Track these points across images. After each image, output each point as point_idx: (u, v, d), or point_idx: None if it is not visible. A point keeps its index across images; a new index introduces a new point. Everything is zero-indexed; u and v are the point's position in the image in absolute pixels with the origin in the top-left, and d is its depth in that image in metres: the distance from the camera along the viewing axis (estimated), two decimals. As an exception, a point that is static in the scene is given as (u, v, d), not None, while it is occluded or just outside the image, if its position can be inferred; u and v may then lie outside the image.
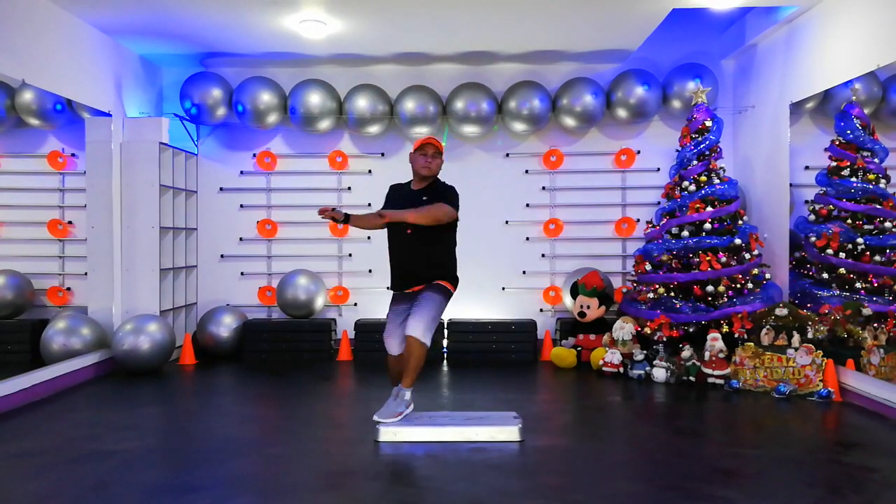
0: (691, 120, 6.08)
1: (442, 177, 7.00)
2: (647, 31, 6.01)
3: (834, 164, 5.31)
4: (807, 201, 5.59)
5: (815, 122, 5.78)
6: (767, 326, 5.35)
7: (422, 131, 6.76)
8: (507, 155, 7.07)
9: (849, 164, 5.22)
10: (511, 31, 6.04)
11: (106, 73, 6.14)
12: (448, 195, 4.30)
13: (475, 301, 7.05)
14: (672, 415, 4.76)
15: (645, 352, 5.77)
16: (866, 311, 4.99)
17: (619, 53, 6.66)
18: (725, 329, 5.52)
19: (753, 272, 5.73)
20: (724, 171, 5.99)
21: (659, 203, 6.62)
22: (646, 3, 5.37)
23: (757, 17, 6.14)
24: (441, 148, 4.35)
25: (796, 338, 5.21)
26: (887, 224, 5.05)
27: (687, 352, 5.55)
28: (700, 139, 5.95)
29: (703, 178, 5.86)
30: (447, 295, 4.25)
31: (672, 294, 5.84)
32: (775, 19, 5.82)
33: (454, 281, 4.35)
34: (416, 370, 4.13)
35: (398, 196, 4.50)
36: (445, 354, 6.70)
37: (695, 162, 5.97)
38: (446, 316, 6.93)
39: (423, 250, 4.28)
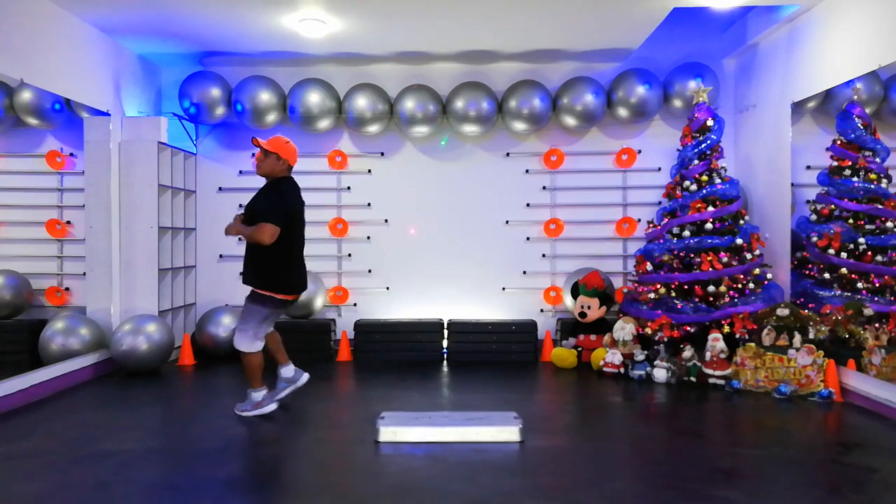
0: (692, 119, 6.07)
1: (443, 177, 7.06)
2: (648, 30, 6.00)
3: (835, 163, 5.31)
4: (808, 201, 5.58)
5: (816, 121, 5.77)
6: (769, 327, 5.34)
7: (422, 130, 6.75)
8: (508, 154, 7.06)
9: (850, 163, 5.21)
10: (511, 30, 6.03)
11: (105, 73, 6.13)
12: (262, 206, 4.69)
13: (475, 301, 7.04)
14: (673, 415, 4.74)
15: (646, 352, 5.76)
16: (868, 312, 4.98)
17: (619, 52, 6.65)
18: (726, 329, 5.51)
19: (755, 272, 5.72)
20: (726, 170, 5.98)
21: (660, 203, 6.61)
22: (647, 2, 5.36)
23: (758, 16, 6.12)
24: (267, 147, 4.57)
25: (797, 338, 5.20)
26: (889, 224, 5.04)
27: (688, 352, 5.54)
28: (701, 139, 5.94)
29: (705, 178, 5.85)
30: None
31: (673, 294, 5.83)
32: (777, 18, 5.81)
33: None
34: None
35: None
36: (445, 355, 6.69)
37: (696, 161, 5.96)
38: (446, 316, 6.92)
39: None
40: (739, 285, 5.65)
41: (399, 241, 7.10)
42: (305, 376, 4.88)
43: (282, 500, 3.21)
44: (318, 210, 7.05)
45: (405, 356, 6.59)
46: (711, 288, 5.64)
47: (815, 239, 5.35)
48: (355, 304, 7.14)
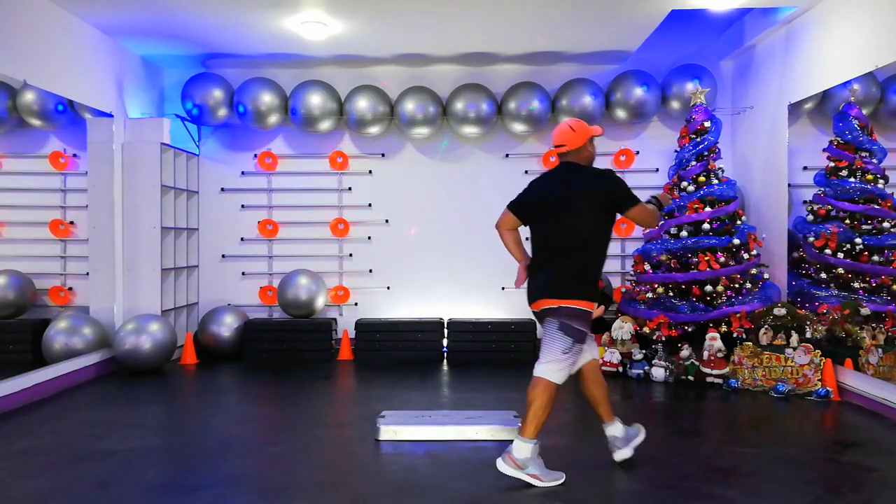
0: (690, 120, 6.10)
1: (443, 177, 7.10)
2: (646, 32, 6.04)
3: (832, 164, 5.34)
4: (805, 201, 5.61)
5: (813, 122, 5.80)
6: (766, 326, 5.37)
7: (422, 132, 6.78)
8: (507, 156, 7.09)
9: (847, 164, 5.24)
10: (511, 33, 6.07)
11: (107, 74, 6.17)
12: None
13: (475, 300, 7.08)
14: (671, 414, 4.77)
15: (644, 351, 5.79)
16: (864, 311, 5.01)
17: (618, 54, 6.68)
18: (724, 329, 5.54)
19: (752, 272, 5.75)
20: (723, 171, 6.01)
21: (658, 203, 6.63)
22: (645, 5, 5.39)
23: (756, 18, 6.16)
24: None
25: (795, 337, 5.23)
26: (885, 224, 5.07)
27: (685, 351, 5.57)
28: (699, 140, 5.97)
29: (702, 179, 5.88)
30: None
31: (671, 294, 5.86)
32: (774, 20, 5.85)
33: None
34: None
35: None
36: (445, 353, 6.72)
37: (693, 162, 5.99)
38: (446, 315, 6.96)
39: None
40: (737, 285, 5.68)
41: (400, 240, 7.14)
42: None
43: (282, 499, 3.23)
44: (319, 210, 7.12)
45: (406, 355, 6.63)
46: (709, 287, 5.67)
47: (811, 239, 5.38)
48: (356, 304, 7.18)
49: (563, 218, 3.49)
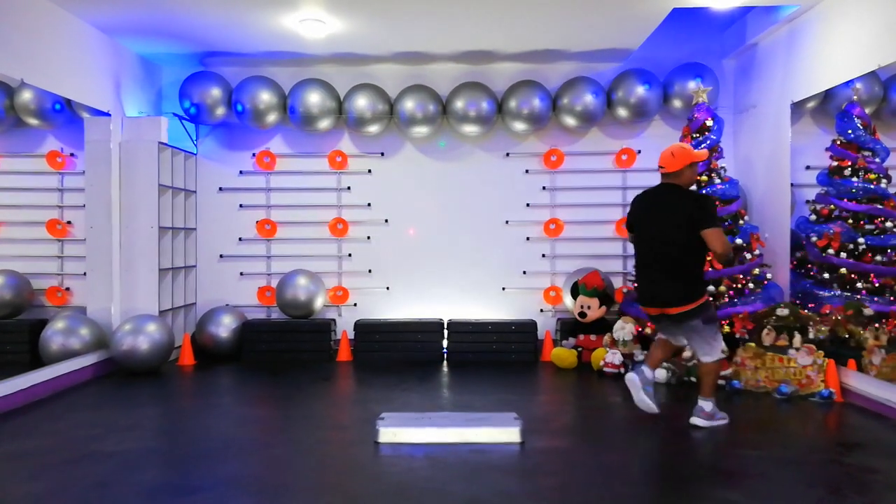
0: (692, 119, 6.07)
1: (443, 177, 7.08)
2: (647, 30, 6.01)
3: (835, 163, 5.32)
4: (808, 201, 5.59)
5: (816, 121, 5.78)
6: (769, 327, 5.34)
7: (422, 131, 6.75)
8: (508, 155, 7.06)
9: (850, 163, 5.22)
10: (511, 31, 6.04)
11: (105, 73, 6.13)
12: None
13: (475, 301, 7.05)
14: (673, 415, 4.74)
15: (646, 352, 5.76)
16: (868, 312, 4.99)
17: (619, 53, 6.66)
18: (726, 329, 5.51)
19: (754, 272, 5.72)
20: (725, 170, 5.98)
21: (659, 203, 6.60)
22: (646, 3, 5.36)
23: (758, 16, 6.13)
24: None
25: (797, 338, 5.21)
26: (888, 224, 5.05)
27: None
28: (701, 139, 5.94)
29: (704, 178, 5.86)
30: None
31: (673, 294, 5.83)
32: (776, 18, 5.82)
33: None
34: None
35: None
36: (445, 355, 6.70)
37: (695, 162, 5.96)
38: (446, 316, 6.93)
39: None
40: (739, 285, 5.65)
41: (399, 240, 7.11)
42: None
43: (281, 501, 3.21)
44: (318, 210, 7.09)
45: (405, 356, 6.60)
46: (711, 288, 5.64)
47: (814, 239, 5.36)
48: (355, 304, 7.15)
49: (666, 233, 4.23)
